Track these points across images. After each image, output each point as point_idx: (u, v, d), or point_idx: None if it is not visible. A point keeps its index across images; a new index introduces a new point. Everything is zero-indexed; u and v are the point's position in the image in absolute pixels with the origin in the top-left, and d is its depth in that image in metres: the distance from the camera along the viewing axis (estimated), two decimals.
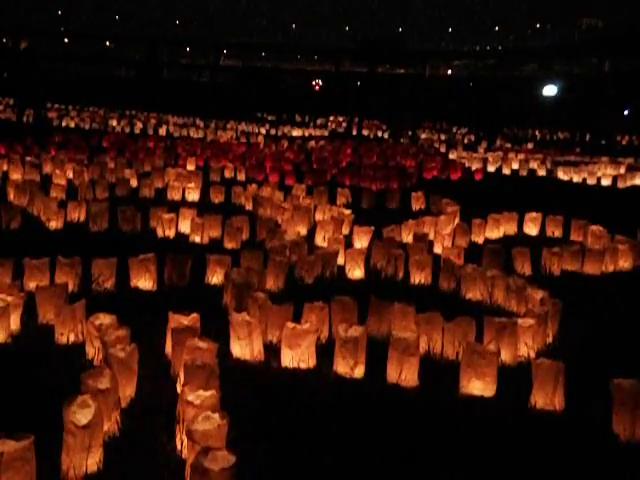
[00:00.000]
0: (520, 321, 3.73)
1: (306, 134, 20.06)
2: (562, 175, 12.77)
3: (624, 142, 24.99)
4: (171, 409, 2.69)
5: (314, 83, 55.61)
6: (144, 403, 2.90)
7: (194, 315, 3.41)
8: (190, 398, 2.54)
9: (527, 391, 3.14)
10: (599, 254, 5.67)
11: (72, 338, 3.49)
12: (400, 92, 39.75)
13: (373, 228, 6.00)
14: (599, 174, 12.55)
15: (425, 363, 3.40)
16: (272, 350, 3.51)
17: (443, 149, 16.85)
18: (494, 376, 3.22)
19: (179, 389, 2.89)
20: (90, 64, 60.27)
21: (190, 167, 10.10)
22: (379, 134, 22.25)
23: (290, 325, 3.43)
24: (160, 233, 5.95)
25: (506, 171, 13.35)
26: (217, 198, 7.83)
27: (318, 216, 6.91)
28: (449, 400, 3.16)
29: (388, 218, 6.82)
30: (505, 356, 3.55)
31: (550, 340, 3.89)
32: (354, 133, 22.53)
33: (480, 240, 6.51)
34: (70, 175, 8.51)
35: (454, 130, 25.24)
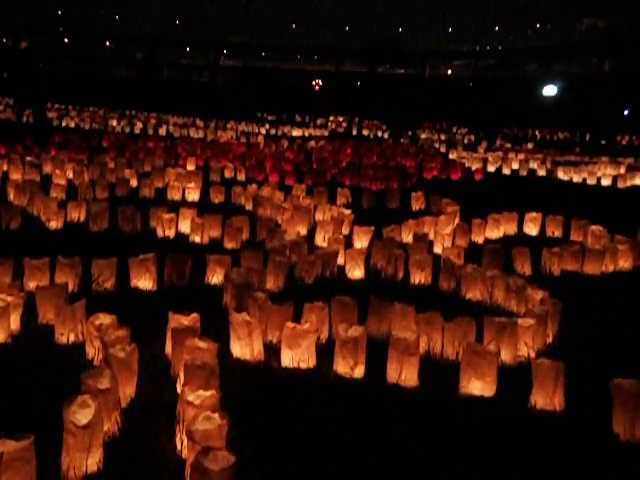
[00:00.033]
0: (520, 321, 3.73)
1: (306, 134, 20.06)
2: (562, 175, 12.78)
3: (624, 142, 24.99)
4: (171, 409, 2.69)
5: (314, 83, 55.58)
6: (144, 403, 2.90)
7: (194, 315, 3.41)
8: (190, 398, 2.54)
9: (527, 391, 3.14)
10: (599, 254, 5.67)
11: (72, 338, 3.49)
12: (400, 92, 39.73)
13: (373, 228, 6.00)
14: (599, 174, 12.55)
15: (425, 363, 3.40)
16: (272, 350, 3.51)
17: (443, 149, 16.84)
18: (494, 376, 3.22)
19: (179, 389, 2.89)
20: (90, 64, 60.25)
21: (190, 167, 10.10)
22: (379, 134, 22.25)
23: (290, 325, 3.43)
24: (160, 233, 5.95)
25: (506, 171, 13.34)
26: (217, 198, 7.83)
27: (318, 216, 6.91)
28: (449, 400, 3.16)
29: (388, 218, 6.82)
30: (505, 356, 3.55)
31: (550, 340, 3.89)
32: (354, 133, 22.53)
33: (480, 240, 6.52)
34: (70, 175, 8.51)
35: (454, 130, 25.24)
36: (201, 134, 16.94)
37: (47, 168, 8.97)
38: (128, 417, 2.73)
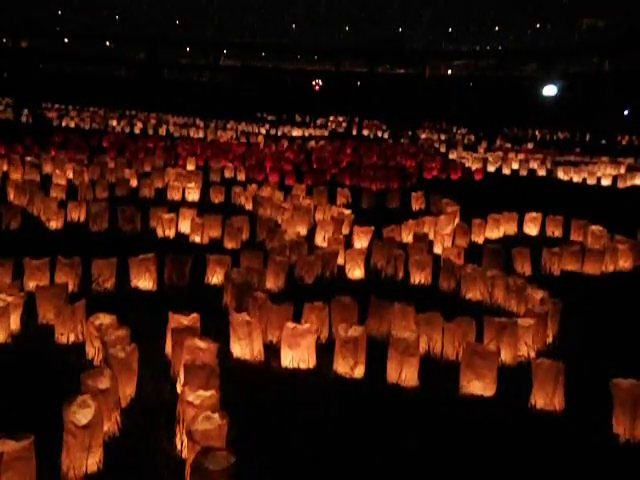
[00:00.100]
0: (520, 321, 3.73)
1: (306, 134, 20.06)
2: (562, 175, 12.78)
3: (624, 142, 24.98)
4: (171, 409, 2.69)
5: (314, 83, 55.55)
6: (144, 403, 2.90)
7: (194, 315, 3.41)
8: (190, 398, 2.54)
9: (527, 391, 3.14)
10: (599, 254, 5.67)
11: (72, 338, 3.49)
12: (400, 92, 39.75)
13: (373, 228, 6.00)
14: (599, 174, 12.55)
15: (425, 363, 3.40)
16: (272, 350, 3.51)
17: (443, 149, 16.85)
18: (494, 376, 3.22)
19: (179, 389, 2.89)
20: (90, 64, 60.20)
21: (190, 167, 10.10)
22: (379, 134, 22.25)
23: (290, 325, 3.43)
24: (160, 233, 5.95)
25: (506, 171, 13.35)
26: (217, 198, 7.83)
27: (318, 216, 6.91)
28: (449, 400, 3.16)
29: (388, 218, 6.82)
30: (505, 356, 3.55)
31: (550, 340, 3.89)
32: (354, 133, 22.53)
33: (480, 240, 6.51)
34: (70, 175, 8.52)
35: (454, 130, 25.23)
36: (201, 134, 16.94)
37: (47, 168, 8.97)
38: (128, 417, 2.73)
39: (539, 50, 66.50)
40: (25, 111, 16.54)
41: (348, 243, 5.83)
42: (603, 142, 23.79)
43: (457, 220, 6.95)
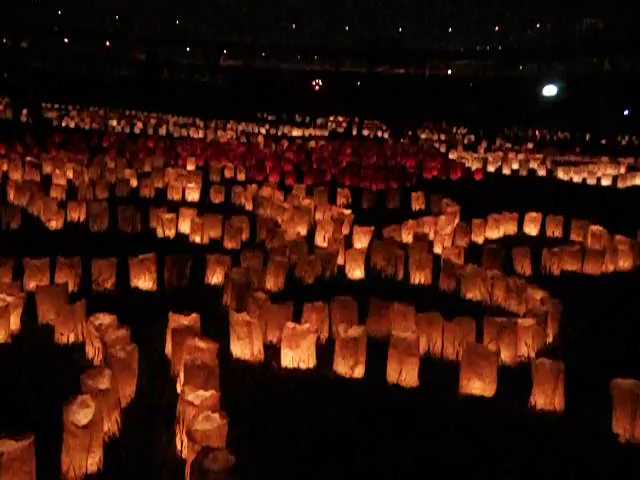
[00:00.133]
0: (520, 321, 3.73)
1: (306, 134, 20.05)
2: (562, 175, 12.77)
3: (624, 142, 24.98)
4: (171, 409, 2.69)
5: (314, 83, 55.57)
6: (144, 403, 2.90)
7: (194, 315, 3.41)
8: (190, 398, 2.54)
9: (527, 391, 3.14)
10: (599, 254, 5.67)
11: (72, 338, 3.49)
12: (400, 92, 39.74)
13: (373, 228, 6.00)
14: (599, 174, 12.55)
15: (425, 363, 3.40)
16: (272, 350, 3.51)
17: (443, 149, 16.84)
18: (494, 376, 3.22)
19: (179, 389, 2.89)
20: (90, 64, 60.21)
21: (190, 167, 10.10)
22: (379, 134, 22.24)
23: (290, 325, 3.43)
24: (160, 233, 5.95)
25: (506, 171, 13.35)
26: (217, 198, 7.83)
27: (318, 216, 6.91)
28: (449, 400, 3.16)
29: (388, 218, 6.82)
30: (505, 356, 3.55)
31: (550, 340, 3.89)
32: (354, 133, 22.53)
33: (480, 240, 6.51)
34: (70, 175, 8.52)
35: (454, 130, 25.23)
36: (201, 134, 16.94)
37: (47, 168, 8.97)
38: (128, 417, 2.73)
39: (539, 50, 66.52)
40: (25, 111, 16.53)
41: (348, 243, 5.82)
42: (603, 142, 23.79)
43: (457, 220, 6.95)
